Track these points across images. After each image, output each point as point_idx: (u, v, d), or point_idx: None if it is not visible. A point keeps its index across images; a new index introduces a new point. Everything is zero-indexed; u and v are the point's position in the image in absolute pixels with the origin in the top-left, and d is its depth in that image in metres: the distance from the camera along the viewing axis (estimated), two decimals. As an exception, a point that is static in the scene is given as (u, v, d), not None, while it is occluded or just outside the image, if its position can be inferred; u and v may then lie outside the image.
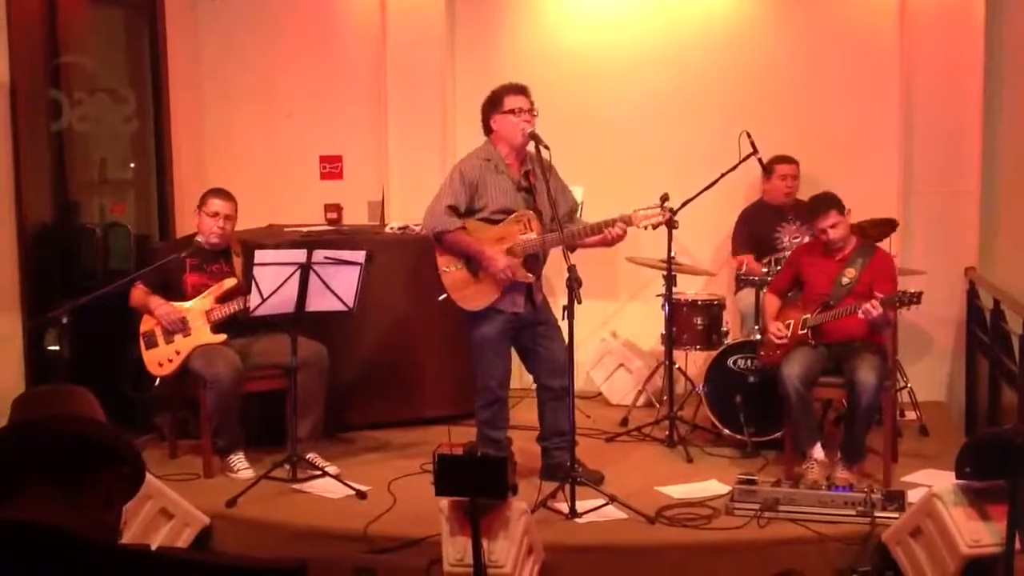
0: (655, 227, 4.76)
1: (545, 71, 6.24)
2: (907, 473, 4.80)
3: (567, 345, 4.42)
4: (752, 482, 4.35)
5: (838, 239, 4.82)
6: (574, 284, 4.20)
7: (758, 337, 5.19)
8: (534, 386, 4.95)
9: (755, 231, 6.00)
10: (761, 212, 6.07)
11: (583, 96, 6.46)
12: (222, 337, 4.97)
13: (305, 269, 4.67)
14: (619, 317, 6.62)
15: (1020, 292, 5.41)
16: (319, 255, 4.72)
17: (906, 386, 5.72)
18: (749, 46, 6.40)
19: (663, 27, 6.48)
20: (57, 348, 4.95)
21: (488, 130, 4.74)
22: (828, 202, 4.81)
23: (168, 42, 6.17)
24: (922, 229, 6.21)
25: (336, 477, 4.76)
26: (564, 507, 4.31)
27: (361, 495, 4.60)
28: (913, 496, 4.14)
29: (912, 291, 4.51)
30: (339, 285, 4.76)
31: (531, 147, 4.63)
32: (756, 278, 5.46)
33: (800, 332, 4.82)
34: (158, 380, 5.06)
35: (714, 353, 5.44)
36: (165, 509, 4.23)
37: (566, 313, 4.26)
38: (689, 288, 6.03)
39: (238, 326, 4.99)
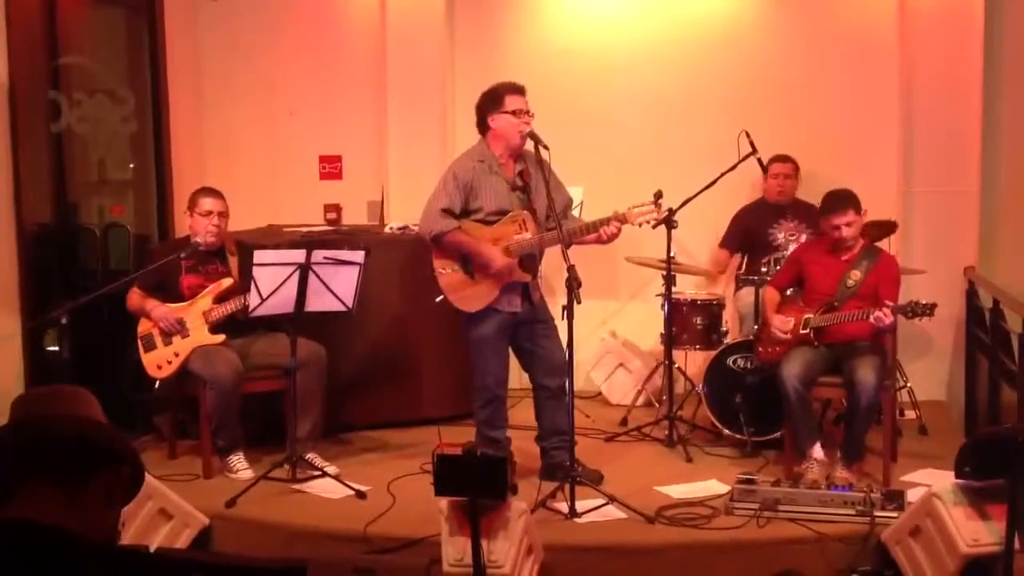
0: (653, 225, 4.76)
1: (545, 71, 6.25)
2: (906, 473, 4.80)
3: (566, 345, 4.41)
4: (752, 482, 4.34)
5: (850, 238, 4.81)
6: (573, 284, 4.19)
7: (755, 332, 5.16)
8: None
9: (748, 227, 6.02)
10: (759, 209, 6.07)
11: (583, 96, 6.46)
12: (221, 338, 4.97)
13: (304, 269, 4.67)
14: (619, 317, 6.62)
15: (1020, 292, 5.41)
16: (318, 255, 4.71)
17: (906, 385, 5.72)
18: (749, 46, 6.40)
19: (663, 27, 6.48)
20: (57, 348, 4.96)
21: (484, 127, 4.69)
22: (848, 200, 4.79)
23: (168, 42, 6.16)
24: (922, 229, 6.21)
25: (336, 477, 4.76)
26: (564, 507, 4.31)
27: (361, 495, 4.60)
28: (913, 495, 4.14)
29: (925, 302, 4.48)
30: (338, 285, 4.75)
31: (528, 146, 4.59)
32: (756, 278, 5.45)
33: (802, 332, 4.81)
34: (158, 382, 5.06)
35: (713, 353, 5.44)
36: (164, 509, 4.22)
37: (566, 313, 4.25)
38: (688, 288, 6.04)
39: (237, 326, 4.98)
